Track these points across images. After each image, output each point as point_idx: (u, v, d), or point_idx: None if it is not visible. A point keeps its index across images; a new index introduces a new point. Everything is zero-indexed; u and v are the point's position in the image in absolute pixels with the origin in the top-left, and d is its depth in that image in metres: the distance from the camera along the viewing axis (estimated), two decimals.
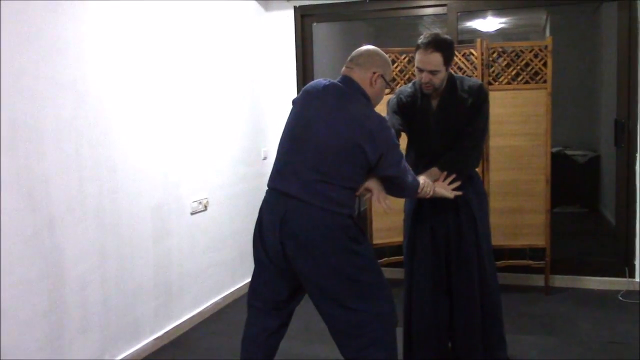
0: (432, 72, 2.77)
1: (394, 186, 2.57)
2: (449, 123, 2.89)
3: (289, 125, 2.52)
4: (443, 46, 2.76)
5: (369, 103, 2.47)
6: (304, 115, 2.46)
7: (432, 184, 2.76)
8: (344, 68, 2.53)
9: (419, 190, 2.67)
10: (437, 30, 2.89)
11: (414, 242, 3.03)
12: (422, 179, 2.71)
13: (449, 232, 2.95)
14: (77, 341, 3.03)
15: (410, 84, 3.01)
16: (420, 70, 2.80)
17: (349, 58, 2.53)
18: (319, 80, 2.56)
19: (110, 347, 3.26)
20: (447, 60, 2.79)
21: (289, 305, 2.61)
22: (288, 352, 3.27)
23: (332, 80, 2.52)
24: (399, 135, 2.85)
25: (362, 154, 2.37)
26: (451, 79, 2.90)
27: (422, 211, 2.99)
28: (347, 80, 2.48)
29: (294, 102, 2.58)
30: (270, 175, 2.53)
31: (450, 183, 2.84)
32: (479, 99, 2.89)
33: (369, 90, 2.48)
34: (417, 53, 2.79)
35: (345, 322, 2.44)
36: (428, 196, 2.73)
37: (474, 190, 2.99)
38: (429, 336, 3.01)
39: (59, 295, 2.91)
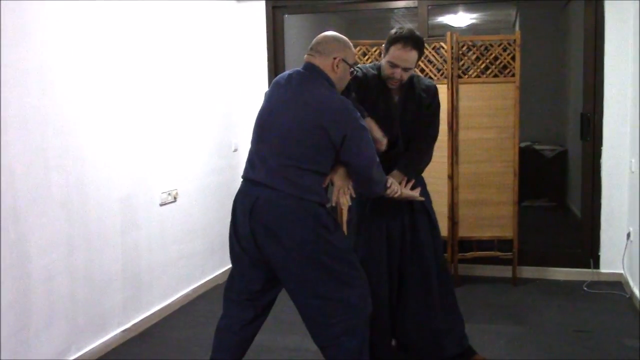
0: (405, 69, 2.78)
1: (362, 178, 2.56)
2: (408, 118, 2.92)
3: (258, 116, 2.56)
4: (420, 45, 2.79)
5: (332, 87, 2.50)
6: (269, 104, 2.51)
7: (399, 185, 2.78)
8: (306, 56, 2.56)
9: (388, 185, 2.68)
10: (408, 24, 2.91)
11: (369, 239, 3.00)
12: (390, 179, 2.73)
13: (404, 227, 2.98)
14: (43, 333, 2.99)
15: (373, 67, 2.94)
16: (394, 66, 2.77)
17: (310, 46, 2.56)
18: (287, 71, 2.59)
19: (77, 340, 3.22)
20: (419, 59, 2.83)
21: (263, 297, 2.59)
22: (258, 343, 3.25)
23: (296, 69, 2.55)
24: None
25: (325, 135, 2.37)
26: (411, 76, 2.91)
27: (378, 209, 2.98)
28: (309, 66, 2.52)
29: (264, 96, 2.61)
30: (244, 167, 2.55)
31: (413, 188, 2.87)
32: (434, 101, 2.96)
33: (332, 76, 2.51)
34: (393, 47, 2.76)
35: (317, 310, 2.45)
36: (396, 195, 2.74)
37: (423, 188, 3.03)
38: (383, 332, 3.02)
39: (24, 287, 2.86)
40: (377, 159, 2.55)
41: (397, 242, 2.98)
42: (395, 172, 2.87)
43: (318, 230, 2.39)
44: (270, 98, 2.53)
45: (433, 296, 2.99)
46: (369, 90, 2.87)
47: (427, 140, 2.98)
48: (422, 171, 3.02)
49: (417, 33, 2.80)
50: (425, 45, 4.34)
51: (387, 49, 2.80)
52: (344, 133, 2.38)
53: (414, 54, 2.75)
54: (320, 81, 2.47)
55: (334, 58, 2.50)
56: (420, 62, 4.35)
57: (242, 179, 2.54)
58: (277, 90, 2.52)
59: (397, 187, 2.73)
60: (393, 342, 3.13)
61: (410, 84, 2.91)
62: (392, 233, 2.97)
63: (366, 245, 2.99)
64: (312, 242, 2.38)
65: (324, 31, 2.64)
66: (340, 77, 2.53)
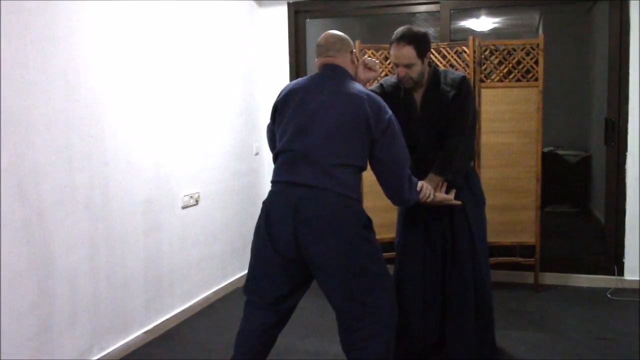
0: (408, 66, 2.80)
1: (394, 180, 2.54)
2: (433, 117, 2.89)
3: (288, 122, 2.51)
4: (415, 39, 2.78)
5: (356, 82, 2.57)
6: (303, 106, 2.49)
7: (432, 189, 2.75)
8: (322, 59, 2.59)
9: (418, 189, 2.66)
10: (429, 28, 2.91)
11: (405, 240, 3.02)
12: (421, 182, 2.72)
13: (445, 232, 2.94)
14: (66, 333, 3.02)
15: (395, 76, 3.01)
16: (396, 65, 2.83)
17: (322, 49, 2.59)
18: (301, 78, 2.64)
19: (99, 340, 3.25)
20: (421, 52, 2.80)
21: (287, 302, 2.58)
22: (279, 346, 3.26)
23: (316, 73, 2.61)
24: None
25: (367, 127, 2.41)
26: (435, 73, 2.90)
27: (416, 210, 2.97)
28: (331, 66, 2.56)
29: (278, 103, 2.59)
30: (275, 171, 2.53)
31: (448, 191, 2.83)
32: (460, 91, 2.85)
33: (352, 70, 2.60)
34: (391, 49, 2.83)
35: (349, 312, 2.44)
36: (429, 200, 2.71)
37: (469, 189, 2.97)
38: (415, 335, 3.00)
39: (48, 287, 2.90)
40: (410, 161, 2.55)
41: (438, 247, 2.94)
42: (430, 175, 2.83)
43: (359, 229, 2.41)
44: (301, 102, 2.49)
45: (469, 309, 2.94)
46: (389, 98, 2.88)
47: (456, 136, 2.85)
48: (460, 170, 2.88)
49: (415, 29, 2.82)
50: (447, 49, 4.35)
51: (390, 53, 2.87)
52: (383, 126, 2.42)
53: (408, 50, 2.77)
54: (347, 79, 2.53)
55: (351, 52, 2.60)
56: (442, 66, 4.33)
57: (276, 183, 2.51)
58: (306, 94, 2.50)
59: (429, 191, 2.71)
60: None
61: (435, 81, 2.89)
62: (432, 238, 2.94)
63: (402, 243, 3.01)
64: (354, 242, 2.38)
65: (347, 35, 2.67)
66: (356, 67, 2.64)
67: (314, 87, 2.52)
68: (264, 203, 2.54)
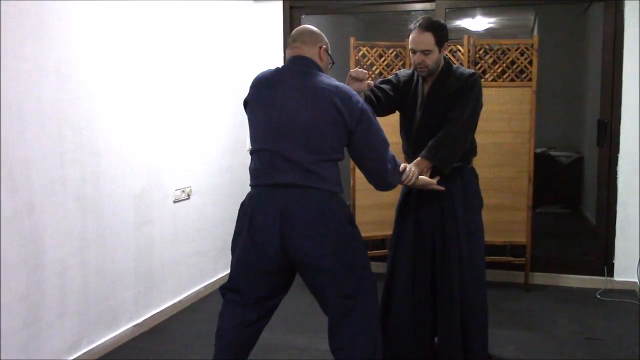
0: (424, 52, 2.80)
1: (377, 165, 2.51)
2: (434, 108, 2.89)
3: (260, 120, 2.46)
4: (435, 27, 2.81)
5: (324, 75, 2.49)
6: (273, 103, 2.42)
7: (416, 171, 2.73)
8: (289, 50, 2.55)
9: (400, 170, 2.64)
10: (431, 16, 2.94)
11: (398, 234, 3.04)
12: (404, 164, 2.71)
13: (434, 225, 2.94)
14: (55, 326, 3.01)
15: (411, 69, 3.03)
16: (414, 52, 2.84)
17: (290, 40, 2.55)
18: (263, 72, 2.57)
19: (88, 333, 3.24)
20: (439, 41, 2.82)
21: (268, 302, 2.56)
22: (267, 342, 3.26)
23: (283, 65, 2.55)
24: (379, 101, 2.90)
25: (342, 119, 2.36)
26: (447, 66, 2.91)
27: (409, 203, 2.99)
28: (299, 58, 2.50)
29: (249, 100, 2.54)
30: (253, 175, 2.47)
31: (432, 177, 2.82)
32: (465, 85, 2.87)
33: (320, 65, 2.52)
34: (410, 35, 2.84)
35: (338, 309, 2.43)
36: (410, 183, 2.71)
37: (462, 185, 2.96)
38: (407, 331, 2.99)
39: (38, 279, 2.89)
40: (388, 143, 2.52)
41: (428, 245, 2.94)
42: (417, 159, 2.82)
43: (345, 225, 2.40)
44: (270, 100, 2.43)
45: (454, 311, 2.92)
46: (400, 87, 2.97)
47: (452, 124, 2.82)
48: (447, 159, 2.83)
49: (435, 19, 2.87)
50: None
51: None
52: (357, 116, 2.38)
53: (427, 36, 2.79)
54: (316, 71, 2.46)
55: (320, 47, 2.52)
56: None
57: (258, 186, 2.45)
58: (275, 90, 2.44)
59: (412, 174, 2.68)
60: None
61: (445, 74, 2.90)
62: (423, 231, 2.94)
63: (395, 237, 3.04)
64: (343, 238, 2.37)
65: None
66: (325, 66, 2.55)
67: (282, 82, 2.44)
68: (244, 206, 2.48)
